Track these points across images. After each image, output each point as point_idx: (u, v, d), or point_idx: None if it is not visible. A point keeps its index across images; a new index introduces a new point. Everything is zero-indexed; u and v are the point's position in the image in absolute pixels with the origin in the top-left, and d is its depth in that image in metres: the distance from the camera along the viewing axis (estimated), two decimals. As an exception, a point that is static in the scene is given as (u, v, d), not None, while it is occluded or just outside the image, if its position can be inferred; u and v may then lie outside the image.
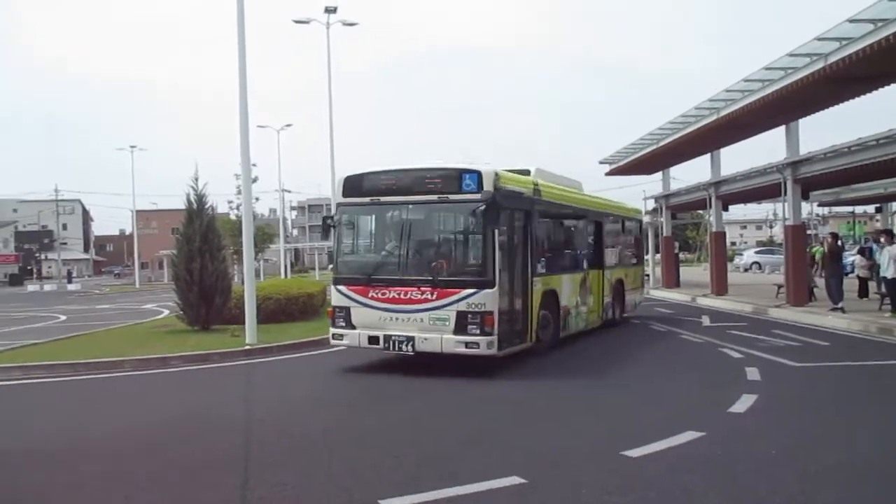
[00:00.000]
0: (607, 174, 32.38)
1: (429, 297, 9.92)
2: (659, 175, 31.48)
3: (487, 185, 9.87)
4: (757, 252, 50.54)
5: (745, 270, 45.18)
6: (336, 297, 10.74)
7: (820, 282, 20.33)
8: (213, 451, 6.64)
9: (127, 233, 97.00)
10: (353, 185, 10.90)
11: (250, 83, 13.51)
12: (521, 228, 11.05)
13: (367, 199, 10.72)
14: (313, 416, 8.12)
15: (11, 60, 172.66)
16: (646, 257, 27.65)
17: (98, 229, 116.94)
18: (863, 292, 20.03)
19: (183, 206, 16.30)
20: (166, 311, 23.14)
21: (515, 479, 5.36)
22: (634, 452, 6.03)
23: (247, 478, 5.69)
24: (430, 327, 9.88)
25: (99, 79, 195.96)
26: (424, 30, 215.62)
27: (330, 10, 27.06)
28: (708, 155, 25.81)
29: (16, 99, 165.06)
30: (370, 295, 10.35)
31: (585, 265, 14.27)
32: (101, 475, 5.90)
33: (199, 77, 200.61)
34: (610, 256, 16.13)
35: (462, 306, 9.70)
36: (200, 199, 16.17)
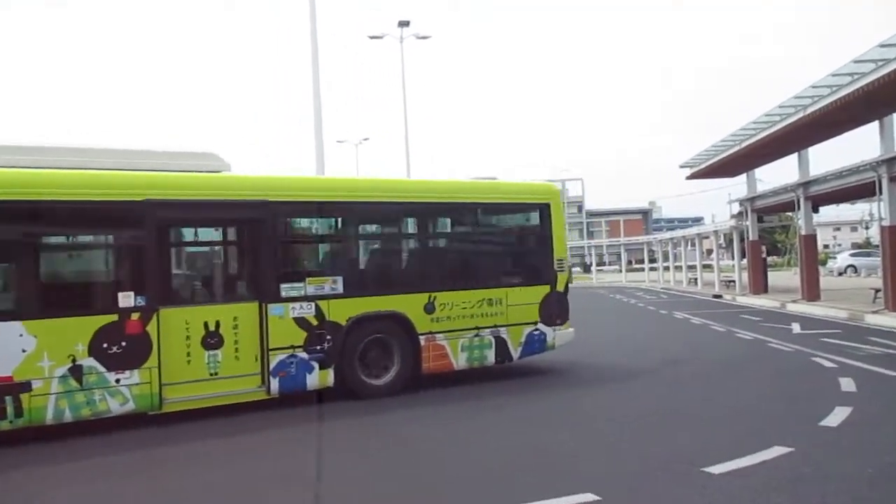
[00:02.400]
0: (688, 178, 31.56)
1: None
2: (743, 178, 30.39)
3: None
4: (852, 255, 48.24)
5: (840, 274, 43.08)
6: None
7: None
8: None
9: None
10: None
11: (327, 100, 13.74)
12: None
13: None
14: None
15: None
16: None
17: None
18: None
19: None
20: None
21: (589, 497, 5.17)
22: (716, 469, 5.72)
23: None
24: None
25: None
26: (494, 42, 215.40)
27: (403, 24, 27.46)
28: (795, 155, 24.76)
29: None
30: None
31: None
32: None
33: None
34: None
35: None
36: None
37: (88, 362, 7.70)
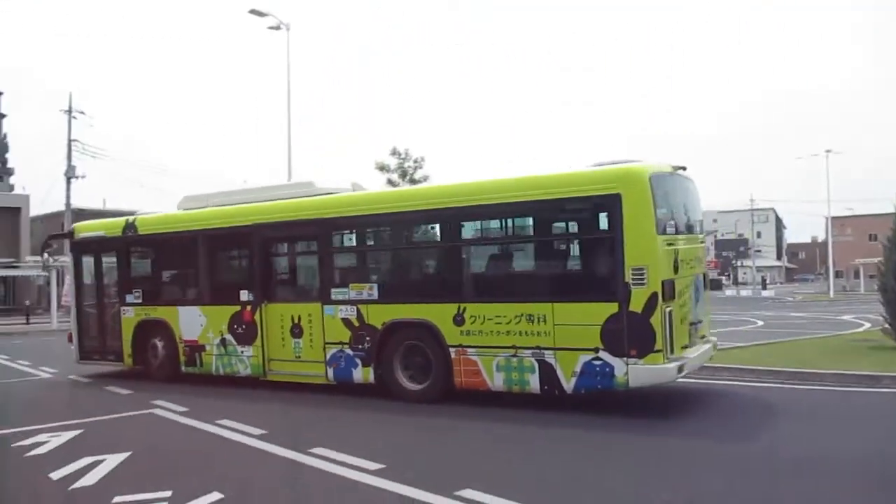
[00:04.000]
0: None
1: None
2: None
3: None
4: None
5: None
6: None
7: None
8: None
9: (819, 240, 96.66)
10: None
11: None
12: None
13: None
14: None
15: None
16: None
17: (790, 236, 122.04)
18: None
19: (886, 211, 13.62)
20: (867, 325, 20.72)
21: None
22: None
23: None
24: None
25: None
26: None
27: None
28: None
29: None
30: None
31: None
32: None
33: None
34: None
35: None
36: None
37: (228, 337, 11.43)
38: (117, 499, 5.62)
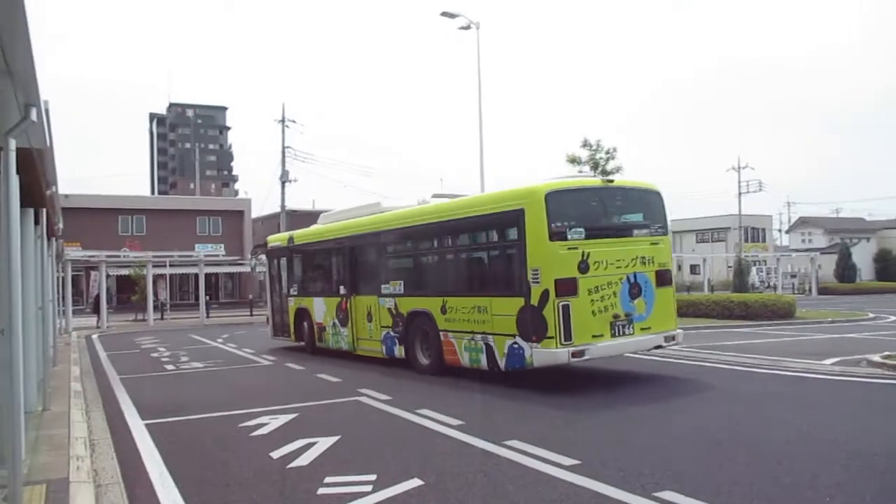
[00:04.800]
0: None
1: None
2: None
3: None
4: None
5: None
6: None
7: None
8: None
9: None
10: None
11: None
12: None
13: None
14: None
15: None
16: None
17: None
18: None
19: None
20: None
21: None
22: None
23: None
24: None
25: None
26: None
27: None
28: None
29: None
30: None
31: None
32: None
33: None
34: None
35: None
36: None
37: (336, 321, 15.27)
38: (328, 479, 6.03)
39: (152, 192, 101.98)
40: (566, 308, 9.66)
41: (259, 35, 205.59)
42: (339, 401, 10.09)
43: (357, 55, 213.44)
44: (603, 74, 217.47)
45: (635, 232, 10.96)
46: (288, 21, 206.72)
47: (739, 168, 57.98)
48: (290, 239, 17.51)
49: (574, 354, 9.66)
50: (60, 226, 15.05)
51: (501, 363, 10.42)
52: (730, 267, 54.08)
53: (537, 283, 9.75)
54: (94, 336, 25.95)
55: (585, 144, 25.73)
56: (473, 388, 10.59)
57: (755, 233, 68.48)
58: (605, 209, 11.00)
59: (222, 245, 49.52)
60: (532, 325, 9.82)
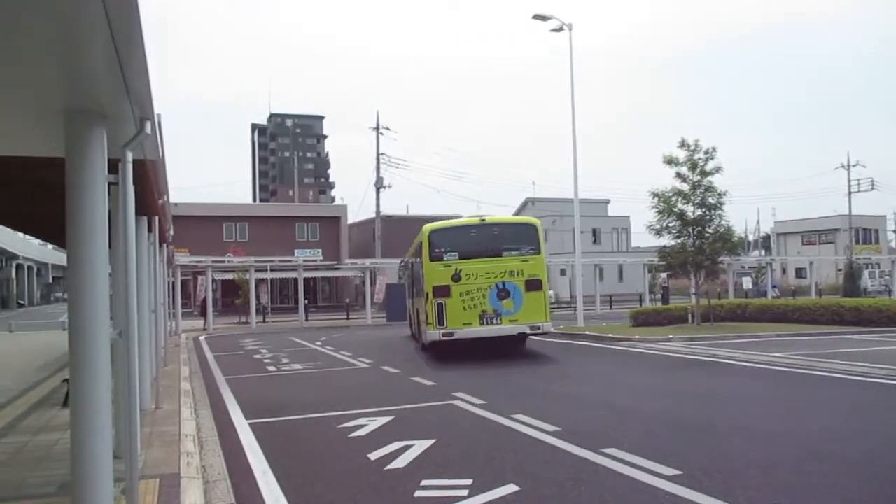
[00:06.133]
0: None
1: None
2: None
3: None
4: None
5: None
6: None
7: None
8: None
9: None
10: None
11: None
12: None
13: None
14: None
15: None
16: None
17: None
18: None
19: None
20: None
21: None
22: None
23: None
24: None
25: None
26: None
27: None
28: None
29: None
30: None
31: None
32: None
33: None
34: None
35: None
36: None
37: (426, 312, 16.17)
38: (425, 482, 6.08)
39: (254, 200, 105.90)
40: (441, 305, 15.11)
41: (353, 46, 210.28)
42: (434, 404, 10.17)
43: (447, 61, 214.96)
44: (709, 73, 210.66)
45: (505, 253, 15.39)
46: (380, 32, 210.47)
47: (849, 166, 55.04)
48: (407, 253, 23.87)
49: (444, 335, 15.04)
50: (171, 232, 15.84)
51: (425, 342, 16.40)
52: (839, 270, 51.42)
53: (426, 288, 15.58)
54: (202, 338, 27.21)
55: (683, 145, 24.94)
56: (569, 395, 10.48)
57: (867, 234, 64.88)
58: (479, 238, 15.70)
59: (320, 250, 50.92)
60: (425, 315, 15.70)
